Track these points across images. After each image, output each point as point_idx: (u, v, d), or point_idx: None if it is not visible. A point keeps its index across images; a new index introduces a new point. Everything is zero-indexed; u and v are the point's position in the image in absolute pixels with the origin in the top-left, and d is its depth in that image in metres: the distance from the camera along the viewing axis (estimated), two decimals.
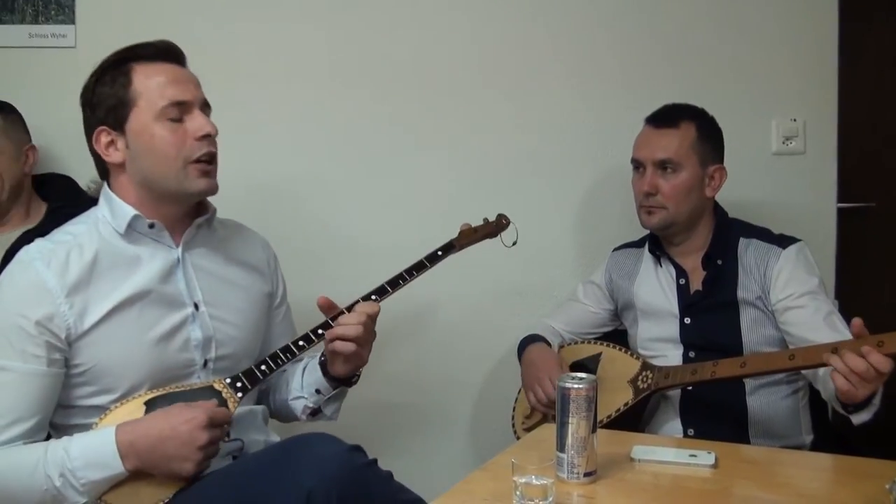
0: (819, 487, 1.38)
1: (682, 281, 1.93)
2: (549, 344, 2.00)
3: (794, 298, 1.79)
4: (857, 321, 1.45)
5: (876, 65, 2.43)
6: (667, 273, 1.96)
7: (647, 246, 2.02)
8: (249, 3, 2.27)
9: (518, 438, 1.99)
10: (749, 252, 1.87)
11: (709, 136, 1.91)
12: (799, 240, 1.87)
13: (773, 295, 1.82)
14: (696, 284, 1.92)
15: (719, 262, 1.89)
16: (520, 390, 2.06)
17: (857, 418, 1.54)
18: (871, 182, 2.45)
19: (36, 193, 2.08)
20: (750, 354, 1.79)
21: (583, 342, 2.04)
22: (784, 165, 2.29)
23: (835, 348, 1.48)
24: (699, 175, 1.88)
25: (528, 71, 2.30)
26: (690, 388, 1.84)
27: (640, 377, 1.84)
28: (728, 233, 1.92)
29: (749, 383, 1.83)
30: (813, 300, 1.77)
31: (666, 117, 1.91)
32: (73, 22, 2.26)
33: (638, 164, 1.93)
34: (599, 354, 1.96)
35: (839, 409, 1.58)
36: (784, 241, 1.87)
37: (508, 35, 2.30)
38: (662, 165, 1.87)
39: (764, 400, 1.83)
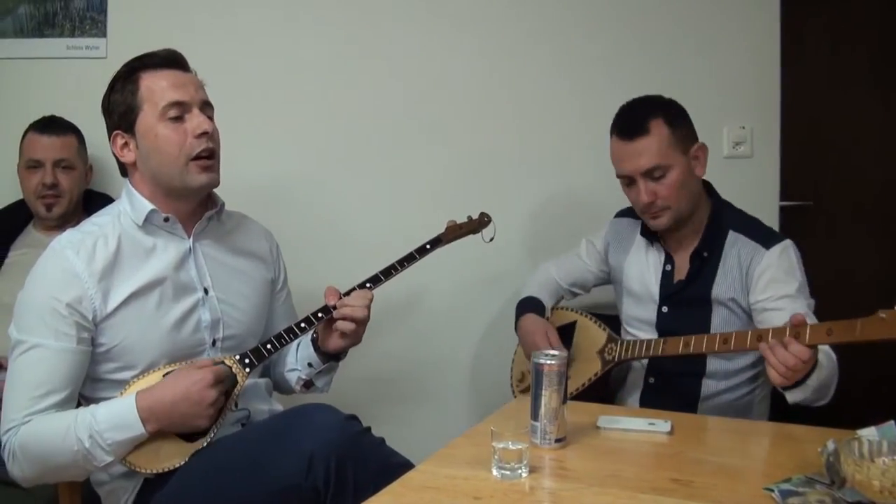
0: (761, 451, 1.38)
1: (668, 267, 1.78)
2: (542, 305, 1.91)
3: (772, 301, 1.63)
4: (796, 317, 1.38)
5: (813, 79, 2.44)
6: (655, 256, 1.81)
7: (640, 227, 1.85)
8: (263, 16, 2.27)
9: (514, 396, 1.98)
10: (734, 251, 1.70)
11: (679, 123, 1.70)
12: (784, 238, 1.70)
13: (752, 295, 1.66)
14: (680, 274, 1.77)
15: (705, 254, 1.73)
16: (515, 352, 2.04)
17: (791, 396, 1.46)
18: (809, 183, 2.47)
19: (83, 208, 2.09)
20: (695, 336, 1.64)
21: (563, 309, 2.00)
22: (734, 168, 2.29)
23: (759, 336, 1.44)
24: (686, 164, 1.69)
25: (511, 81, 2.30)
26: (652, 380, 1.80)
27: (606, 349, 1.81)
28: (720, 222, 1.74)
29: (708, 378, 1.74)
30: (790, 303, 1.60)
31: (634, 125, 1.67)
32: (104, 35, 2.26)
33: (626, 178, 1.72)
34: (575, 322, 1.92)
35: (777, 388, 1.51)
36: (769, 240, 1.68)
37: (497, 49, 2.30)
38: (650, 173, 1.67)
39: (719, 399, 1.74)
